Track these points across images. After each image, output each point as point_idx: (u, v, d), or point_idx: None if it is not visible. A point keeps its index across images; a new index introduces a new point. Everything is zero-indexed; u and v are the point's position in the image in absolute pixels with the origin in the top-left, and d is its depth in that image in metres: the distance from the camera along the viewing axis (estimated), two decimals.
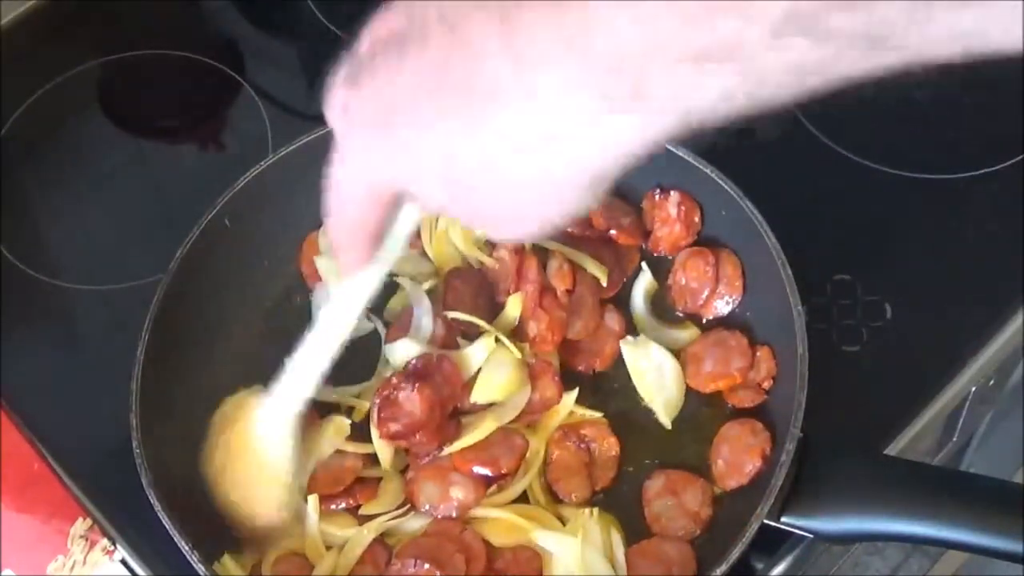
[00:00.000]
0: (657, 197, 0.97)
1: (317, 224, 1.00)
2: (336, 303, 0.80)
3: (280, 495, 0.84)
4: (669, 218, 0.97)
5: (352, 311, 0.79)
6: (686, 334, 0.95)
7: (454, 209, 0.60)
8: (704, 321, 0.96)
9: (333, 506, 0.86)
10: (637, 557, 0.84)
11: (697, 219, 0.97)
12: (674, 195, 0.97)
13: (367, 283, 0.76)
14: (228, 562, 0.83)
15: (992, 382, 1.02)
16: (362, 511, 0.87)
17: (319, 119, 1.01)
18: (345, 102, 0.61)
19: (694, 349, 0.93)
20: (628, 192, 1.01)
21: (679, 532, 0.85)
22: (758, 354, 0.90)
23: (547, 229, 0.59)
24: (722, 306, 0.95)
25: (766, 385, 0.89)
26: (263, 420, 0.85)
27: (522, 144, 0.52)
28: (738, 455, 0.86)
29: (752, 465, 0.84)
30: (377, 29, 0.59)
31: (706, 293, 0.94)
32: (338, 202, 0.65)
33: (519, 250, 0.94)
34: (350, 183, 0.63)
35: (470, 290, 0.94)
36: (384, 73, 0.57)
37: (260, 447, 0.84)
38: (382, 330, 0.95)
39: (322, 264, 0.98)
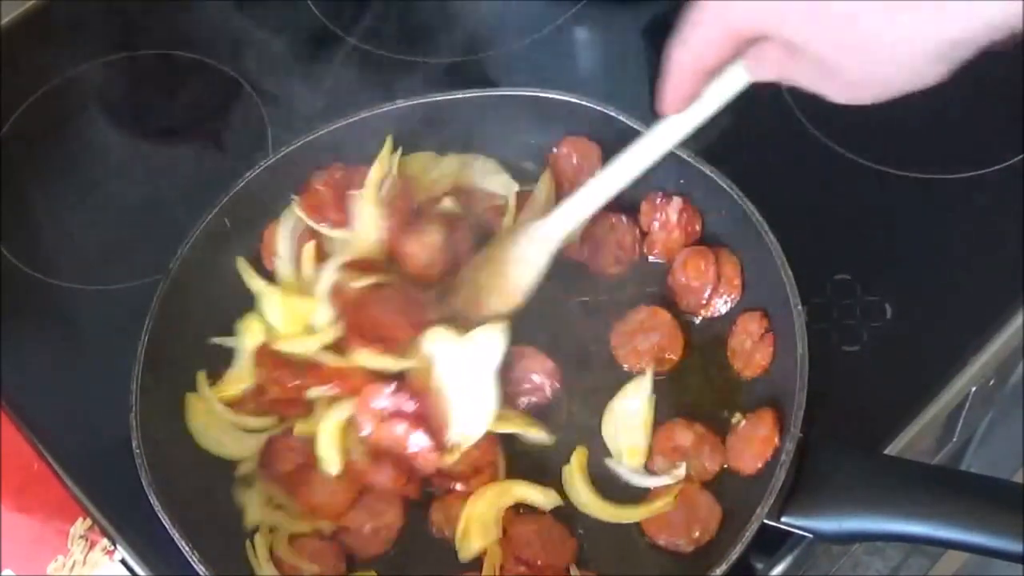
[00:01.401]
0: (659, 201, 0.97)
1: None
2: (640, 144, 0.86)
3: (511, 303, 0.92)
4: (669, 223, 0.97)
5: (652, 153, 0.86)
6: None
7: (802, 66, 0.70)
8: (700, 320, 0.96)
9: None
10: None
11: (698, 227, 0.97)
12: (676, 201, 0.97)
13: (676, 129, 0.83)
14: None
15: (992, 382, 1.02)
16: None
17: (319, 119, 1.02)
18: None
19: None
20: (626, 192, 1.00)
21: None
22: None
23: (889, 95, 0.68)
24: (721, 305, 0.95)
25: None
26: (527, 241, 0.93)
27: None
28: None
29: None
30: None
31: (707, 292, 0.94)
32: (692, 37, 0.73)
33: None
34: (712, 21, 0.72)
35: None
36: None
37: (512, 265, 0.93)
38: None
39: (280, 267, 0.97)
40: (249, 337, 0.93)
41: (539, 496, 0.88)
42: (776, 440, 0.84)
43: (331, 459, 0.88)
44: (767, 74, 0.76)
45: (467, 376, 0.87)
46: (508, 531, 0.87)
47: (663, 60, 0.76)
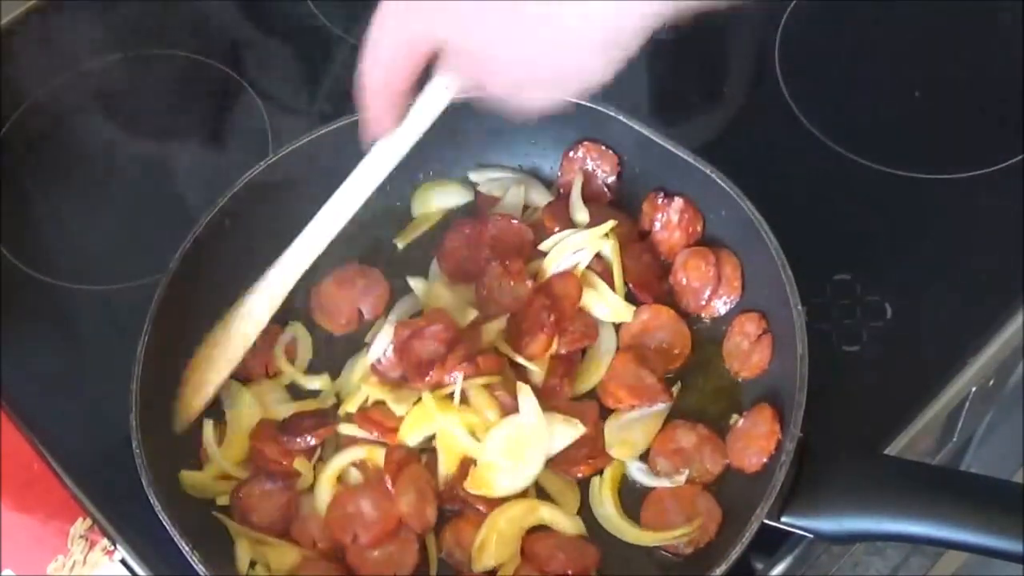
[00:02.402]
0: (660, 201, 0.97)
1: None
2: (355, 175, 0.84)
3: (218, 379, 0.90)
4: (671, 223, 0.97)
5: (366, 184, 0.84)
6: None
7: (478, 72, 0.71)
8: (706, 320, 0.96)
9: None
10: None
11: (699, 228, 0.97)
12: (677, 202, 0.97)
13: (388, 153, 0.81)
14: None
15: (992, 382, 1.02)
16: None
17: (319, 119, 1.02)
18: None
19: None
20: (627, 192, 1.01)
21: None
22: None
23: (566, 95, 0.73)
24: (720, 306, 0.95)
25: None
26: (248, 302, 0.90)
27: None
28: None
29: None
30: None
31: (708, 292, 0.94)
32: (374, 58, 0.73)
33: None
34: (389, 39, 0.72)
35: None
36: None
37: (229, 333, 0.90)
38: None
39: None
40: (244, 414, 0.92)
41: (566, 523, 0.87)
42: (777, 434, 0.84)
43: (325, 500, 0.88)
44: (463, 83, 0.76)
45: (524, 447, 0.86)
46: (526, 548, 0.86)
47: (355, 85, 0.76)
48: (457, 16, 0.69)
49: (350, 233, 1.00)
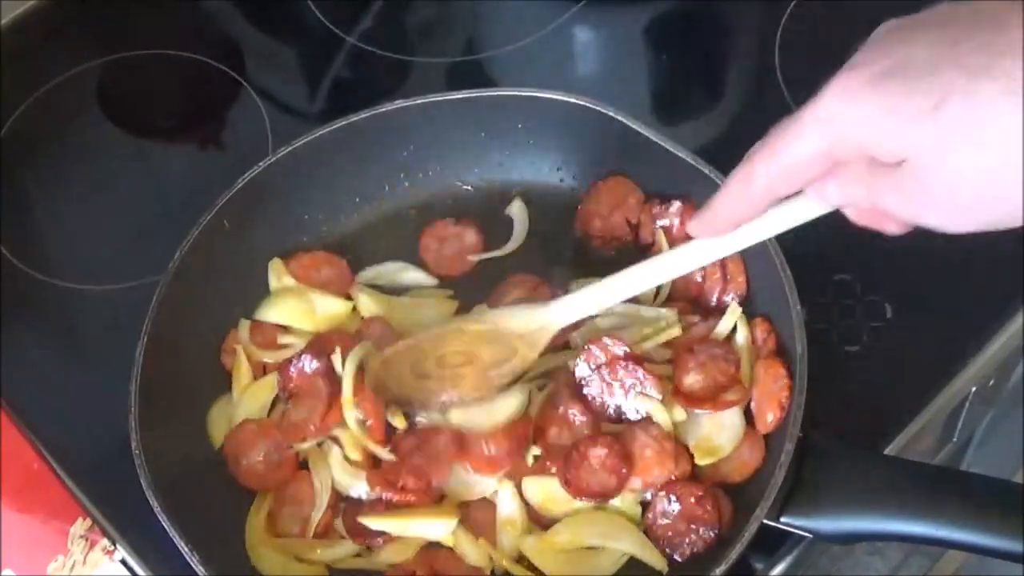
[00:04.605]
0: (656, 209, 0.97)
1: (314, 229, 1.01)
2: (679, 251, 0.78)
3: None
4: (671, 228, 0.97)
5: (683, 266, 0.79)
6: None
7: (894, 186, 0.60)
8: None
9: None
10: None
11: None
12: (676, 205, 0.97)
13: (718, 247, 0.75)
14: None
15: (992, 382, 1.02)
16: None
17: (319, 119, 1.02)
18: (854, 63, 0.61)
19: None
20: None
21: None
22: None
23: (1003, 223, 0.61)
24: (729, 302, 0.95)
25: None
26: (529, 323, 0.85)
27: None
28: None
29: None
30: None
31: (717, 291, 0.94)
32: (788, 149, 0.62)
33: None
34: (821, 133, 0.61)
35: None
36: (899, 44, 0.60)
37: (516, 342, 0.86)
38: None
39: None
40: None
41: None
42: (788, 381, 0.84)
43: None
44: (846, 197, 0.66)
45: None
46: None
47: (734, 172, 0.66)
48: (914, 125, 0.57)
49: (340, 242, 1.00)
